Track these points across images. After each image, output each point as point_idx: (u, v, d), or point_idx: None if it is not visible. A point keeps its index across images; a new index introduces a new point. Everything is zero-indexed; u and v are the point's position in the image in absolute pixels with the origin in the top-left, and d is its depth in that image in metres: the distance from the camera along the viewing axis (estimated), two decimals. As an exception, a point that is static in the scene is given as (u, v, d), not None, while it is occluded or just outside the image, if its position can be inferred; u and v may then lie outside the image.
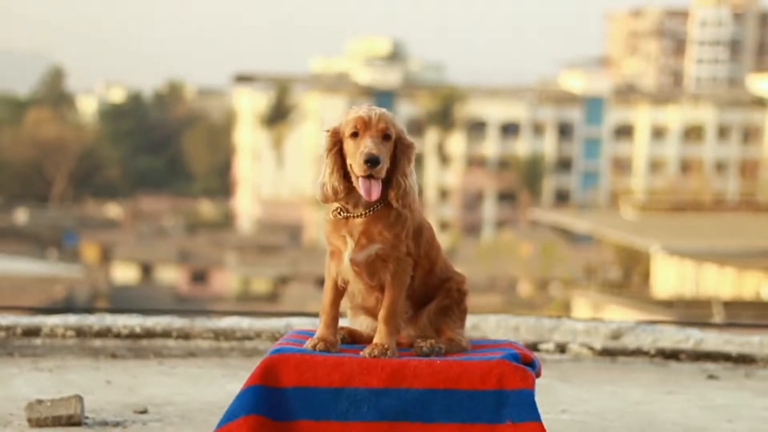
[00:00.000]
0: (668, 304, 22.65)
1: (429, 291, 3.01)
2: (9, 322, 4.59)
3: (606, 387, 4.21)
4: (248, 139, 58.08)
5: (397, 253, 2.89)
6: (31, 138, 58.31)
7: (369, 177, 2.81)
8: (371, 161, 2.79)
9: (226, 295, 40.62)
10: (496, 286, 39.03)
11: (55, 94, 67.24)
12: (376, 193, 2.81)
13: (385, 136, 2.85)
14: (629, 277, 35.15)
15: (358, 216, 2.87)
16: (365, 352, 2.90)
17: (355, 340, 3.07)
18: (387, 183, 2.85)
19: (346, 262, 2.89)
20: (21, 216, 52.77)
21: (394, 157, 2.86)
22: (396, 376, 2.84)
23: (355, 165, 2.81)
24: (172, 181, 63.70)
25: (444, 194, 56.38)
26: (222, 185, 61.89)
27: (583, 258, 39.66)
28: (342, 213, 2.89)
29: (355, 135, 2.85)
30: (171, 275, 44.03)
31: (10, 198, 55.47)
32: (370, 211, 2.87)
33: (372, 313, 3.00)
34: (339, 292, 2.98)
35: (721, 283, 24.20)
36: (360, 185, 2.82)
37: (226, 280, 42.80)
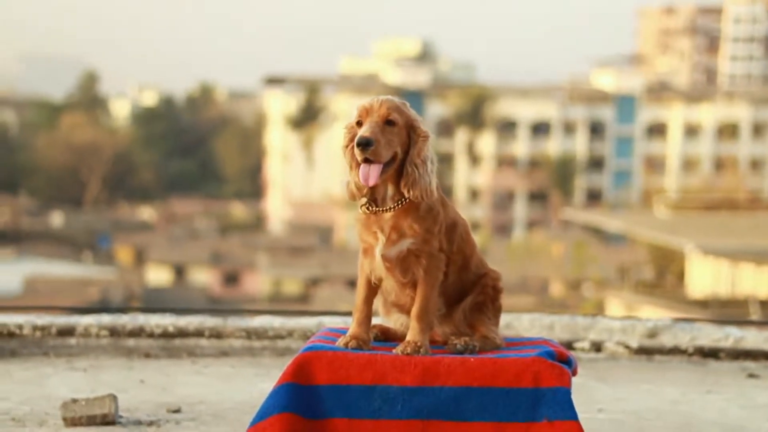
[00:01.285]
0: (703, 304, 22.37)
1: (463, 287, 2.97)
2: (44, 321, 4.63)
3: (643, 386, 4.15)
4: (279, 141, 58.33)
5: (430, 248, 2.86)
6: (66, 142, 59.05)
7: (368, 162, 2.76)
8: (362, 143, 2.73)
9: (257, 296, 40.82)
10: (527, 287, 38.81)
11: (89, 98, 68.02)
12: (373, 177, 2.76)
13: (388, 122, 2.80)
14: (663, 277, 34.76)
15: (386, 210, 2.84)
16: (398, 349, 2.87)
17: (388, 337, 3.04)
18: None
19: (378, 259, 2.86)
20: (56, 219, 53.45)
21: (407, 147, 2.82)
22: (429, 373, 2.81)
23: (355, 152, 2.78)
24: (204, 184, 64.16)
25: (474, 194, 56.18)
26: (253, 187, 62.23)
27: (615, 258, 39.31)
28: (370, 208, 2.85)
29: (359, 124, 2.83)
30: (203, 277, 44.36)
31: (45, 201, 56.20)
32: (398, 205, 2.83)
33: (405, 311, 2.97)
34: (372, 290, 2.95)
35: (758, 282, 23.84)
36: (360, 171, 2.78)
37: (258, 282, 43.01)
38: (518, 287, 37.05)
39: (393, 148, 2.79)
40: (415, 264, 2.87)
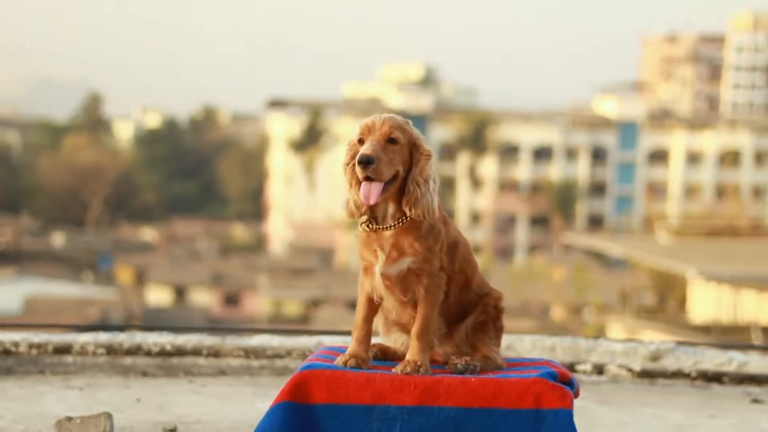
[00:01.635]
0: (705, 330, 22.28)
1: (465, 307, 2.93)
2: (41, 339, 4.59)
3: (646, 410, 4.09)
4: (281, 163, 58.46)
5: (431, 267, 2.83)
6: (68, 163, 59.23)
7: (369, 180, 2.75)
8: (364, 161, 2.72)
9: (258, 317, 40.71)
10: (528, 311, 38.70)
11: (92, 120, 68.30)
12: (374, 196, 2.74)
13: (390, 140, 2.78)
14: (665, 302, 34.64)
15: (386, 228, 2.82)
16: (397, 369, 2.83)
17: (387, 357, 3.01)
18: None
19: (377, 277, 2.83)
20: (58, 239, 53.47)
21: (409, 166, 2.81)
22: (429, 393, 2.77)
23: (356, 169, 2.76)
24: (206, 205, 64.25)
25: (476, 218, 56.19)
26: (255, 209, 62.29)
27: (617, 283, 39.21)
28: (371, 226, 2.83)
29: (361, 142, 2.81)
30: (204, 298, 44.27)
31: (47, 222, 56.27)
32: (398, 223, 2.81)
33: (406, 330, 2.93)
34: (372, 309, 2.91)
35: (760, 308, 23.75)
36: (361, 189, 2.76)
37: (259, 303, 42.92)
38: (519, 311, 36.94)
39: (395, 167, 2.77)
40: (415, 283, 2.84)
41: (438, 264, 2.84)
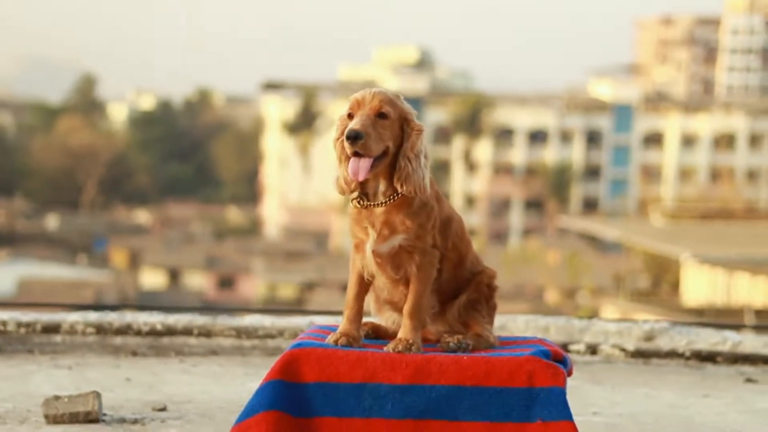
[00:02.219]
0: (699, 313, 22.33)
1: (458, 285, 2.89)
2: (29, 318, 4.54)
3: (639, 389, 4.07)
4: (275, 146, 58.30)
5: (423, 244, 2.78)
6: (62, 145, 58.98)
7: (357, 155, 2.69)
8: (351, 136, 2.66)
9: (252, 300, 40.72)
10: (522, 294, 38.76)
11: (86, 102, 67.96)
12: (363, 172, 2.69)
13: (380, 115, 2.72)
14: (658, 285, 34.72)
15: (377, 205, 2.76)
16: (389, 347, 2.79)
17: (379, 335, 2.97)
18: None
19: (368, 254, 2.79)
20: (52, 222, 53.33)
21: (400, 141, 2.75)
22: (421, 372, 2.74)
23: (345, 145, 2.70)
24: (201, 188, 64.08)
25: (470, 201, 56.16)
26: (249, 192, 62.17)
27: (611, 266, 39.27)
28: (361, 202, 2.78)
29: (351, 116, 2.75)
30: (198, 281, 44.25)
31: (41, 204, 56.08)
32: (390, 200, 2.76)
33: (398, 308, 2.89)
34: (363, 287, 2.87)
35: (753, 291, 23.81)
36: (349, 165, 2.70)
37: (253, 286, 42.92)
38: (513, 294, 37.00)
39: (384, 142, 2.71)
40: (407, 260, 2.79)
41: (431, 241, 2.80)
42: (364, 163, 2.68)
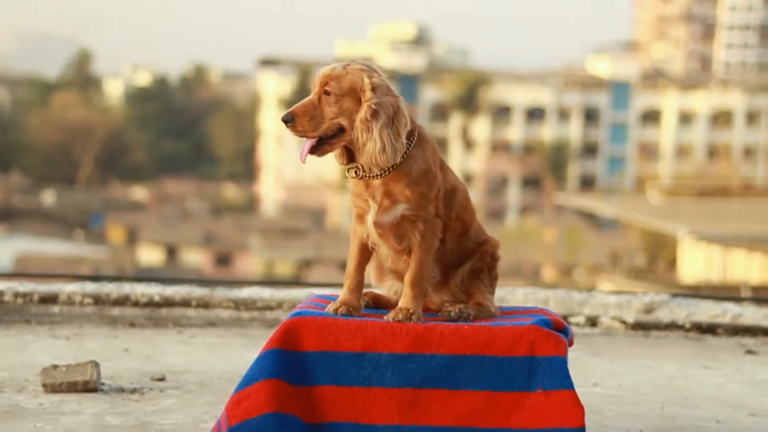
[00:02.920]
0: (695, 289, 22.37)
1: (462, 255, 2.87)
2: (26, 288, 4.52)
3: (639, 361, 4.07)
4: (272, 123, 58.12)
5: (425, 213, 2.76)
6: (58, 121, 58.76)
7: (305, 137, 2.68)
8: (283, 120, 2.67)
9: (250, 277, 40.76)
10: (520, 272, 38.85)
11: (82, 77, 67.64)
12: (303, 153, 2.68)
13: (325, 92, 2.69)
14: (655, 262, 34.78)
15: (374, 177, 2.73)
16: (389, 316, 2.78)
17: (379, 305, 2.95)
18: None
19: (369, 225, 2.76)
20: (48, 198, 53.24)
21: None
22: (421, 341, 2.72)
23: None
24: (197, 165, 63.95)
25: (468, 179, 56.11)
26: (246, 169, 62.06)
27: (608, 244, 39.34)
28: (357, 173, 2.74)
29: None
30: (195, 258, 44.28)
31: (37, 180, 55.95)
32: (386, 171, 2.71)
33: (401, 277, 2.87)
34: (365, 257, 2.85)
35: (750, 267, 23.85)
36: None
37: (250, 263, 42.97)
38: (511, 272, 37.08)
39: (328, 120, 2.67)
40: (410, 230, 2.77)
41: (433, 210, 2.77)
42: (306, 144, 2.67)
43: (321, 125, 2.68)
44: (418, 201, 2.74)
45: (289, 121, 2.67)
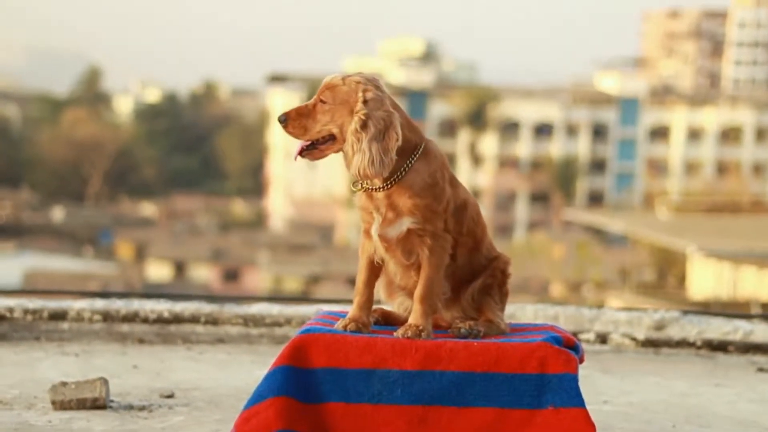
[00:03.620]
0: (704, 306, 22.24)
1: (474, 271, 2.86)
2: (36, 305, 4.52)
3: (649, 378, 4.04)
4: (281, 139, 58.24)
5: (433, 228, 2.75)
6: (68, 137, 59.03)
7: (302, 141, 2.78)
8: (279, 119, 2.76)
9: (258, 293, 40.75)
10: (528, 288, 38.72)
11: (92, 94, 67.99)
12: (295, 153, 2.78)
13: (322, 101, 2.75)
14: (664, 278, 34.63)
15: (378, 189, 2.74)
16: (398, 333, 2.77)
17: (389, 321, 2.94)
18: None
19: (375, 238, 2.76)
20: (58, 214, 53.41)
21: None
22: (431, 358, 2.71)
23: None
24: (206, 181, 64.10)
25: (476, 195, 55.66)
26: (255, 185, 62.16)
27: (617, 260, 39.20)
28: (361, 185, 2.76)
29: None
30: (204, 273, 44.30)
31: (47, 196, 56.15)
32: (389, 184, 2.72)
33: (410, 294, 2.86)
34: (374, 273, 2.84)
35: (759, 284, 23.73)
36: None
37: (259, 279, 42.96)
38: (519, 288, 36.96)
39: (320, 126, 2.72)
40: (419, 244, 2.76)
41: (442, 225, 2.77)
42: (298, 146, 2.76)
43: (311, 130, 2.74)
44: (424, 214, 2.74)
45: (282, 121, 2.75)
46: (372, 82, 2.77)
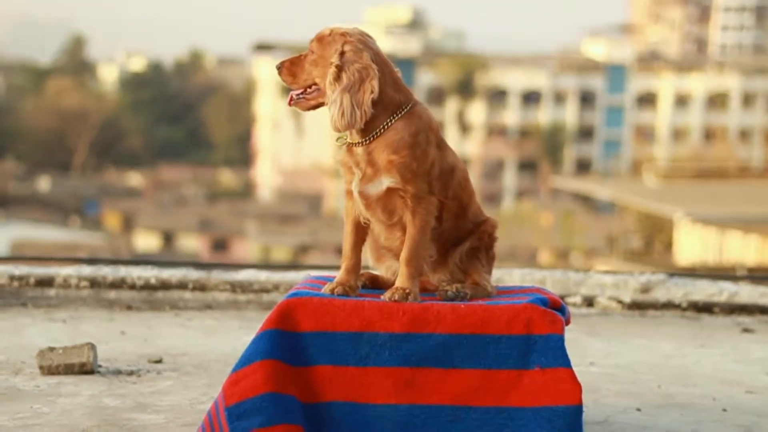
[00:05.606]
0: (691, 271, 22.41)
1: (460, 235, 2.87)
2: (22, 272, 4.51)
3: (636, 340, 4.08)
4: (268, 108, 57.97)
5: (415, 189, 2.74)
6: (52, 107, 58.55)
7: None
8: (275, 67, 2.82)
9: (246, 263, 40.81)
10: (516, 256, 38.88)
11: (76, 63, 67.34)
12: (288, 99, 2.83)
13: (311, 51, 2.79)
14: (651, 245, 34.85)
15: (357, 144, 2.74)
16: (386, 296, 2.77)
17: (377, 285, 2.95)
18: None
19: (355, 195, 2.76)
20: (43, 184, 53.13)
21: None
22: (418, 320, 2.72)
23: None
24: (193, 151, 63.80)
25: (464, 163, 56.00)
26: (242, 155, 61.92)
27: (604, 227, 39.39)
28: (339, 141, 2.78)
29: None
30: (192, 243, 44.28)
31: (32, 166, 55.80)
32: (369, 139, 2.72)
33: (397, 256, 2.86)
34: (360, 236, 2.84)
35: (745, 249, 23.91)
36: None
37: (247, 249, 42.98)
38: (506, 256, 37.11)
39: (306, 74, 2.76)
40: (401, 206, 2.76)
41: (425, 187, 2.76)
42: (291, 93, 2.81)
43: (298, 79, 2.79)
44: (402, 173, 2.72)
45: (278, 68, 2.82)
46: (356, 35, 2.76)
